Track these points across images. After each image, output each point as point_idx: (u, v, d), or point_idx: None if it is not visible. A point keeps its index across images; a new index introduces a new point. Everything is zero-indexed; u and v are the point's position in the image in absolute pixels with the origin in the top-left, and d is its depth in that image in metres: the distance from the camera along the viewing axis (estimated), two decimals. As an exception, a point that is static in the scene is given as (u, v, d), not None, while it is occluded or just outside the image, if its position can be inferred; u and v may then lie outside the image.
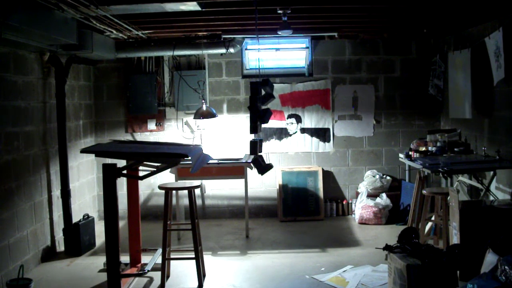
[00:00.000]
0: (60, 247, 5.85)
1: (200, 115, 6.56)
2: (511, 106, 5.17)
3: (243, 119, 7.15)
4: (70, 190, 5.87)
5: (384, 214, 6.64)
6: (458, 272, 4.09)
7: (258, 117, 4.68)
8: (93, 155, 6.47)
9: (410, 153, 6.19)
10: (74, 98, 6.47)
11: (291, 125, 7.23)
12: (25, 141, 5.15)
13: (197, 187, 4.86)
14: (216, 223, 6.98)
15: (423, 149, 6.14)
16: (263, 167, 4.73)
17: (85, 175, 6.82)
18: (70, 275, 5.08)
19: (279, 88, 7.04)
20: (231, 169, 6.24)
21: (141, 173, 4.71)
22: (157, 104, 7.07)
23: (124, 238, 5.20)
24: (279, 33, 5.52)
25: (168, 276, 4.86)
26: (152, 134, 7.24)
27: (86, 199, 6.82)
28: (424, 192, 5.32)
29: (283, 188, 7.09)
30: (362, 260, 5.23)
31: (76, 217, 5.97)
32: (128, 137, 7.18)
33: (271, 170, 4.97)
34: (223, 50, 6.66)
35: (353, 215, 7.05)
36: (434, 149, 6.03)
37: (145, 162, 4.61)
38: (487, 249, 3.85)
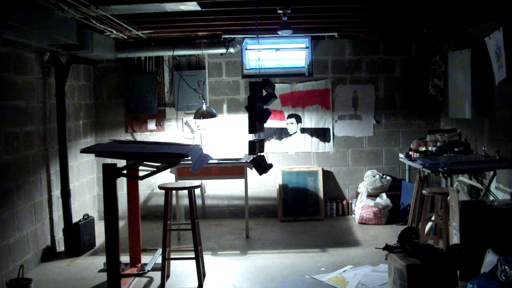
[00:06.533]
0: (60, 247, 5.85)
1: (200, 115, 6.56)
2: (511, 106, 5.17)
3: (243, 119, 7.14)
4: (70, 190, 5.87)
5: (384, 214, 6.64)
6: (458, 272, 4.09)
7: (256, 117, 4.68)
8: (93, 155, 6.46)
9: (410, 153, 6.19)
10: (74, 98, 6.47)
11: (291, 125, 7.23)
12: (25, 141, 5.15)
13: (197, 187, 4.86)
14: (216, 223, 6.98)
15: (423, 149, 6.14)
16: (263, 167, 4.73)
17: (85, 175, 6.82)
18: (70, 275, 5.08)
19: (279, 88, 7.03)
20: (231, 169, 6.24)
21: (141, 173, 4.71)
22: (157, 104, 7.07)
23: (124, 238, 5.20)
24: (279, 33, 5.52)
25: (168, 276, 4.86)
26: (152, 134, 7.24)
27: (86, 199, 6.82)
28: (424, 192, 5.32)
29: (283, 188, 7.09)
30: (362, 260, 5.23)
31: (76, 217, 5.97)
32: (128, 137, 7.18)
33: (271, 170, 4.97)
34: (223, 50, 6.66)
35: (353, 215, 7.05)
36: (434, 149, 6.03)
37: (145, 162, 4.61)
38: (487, 249, 3.85)
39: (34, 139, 5.36)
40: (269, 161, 4.91)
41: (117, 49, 6.49)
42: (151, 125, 7.21)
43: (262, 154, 4.84)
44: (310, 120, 7.21)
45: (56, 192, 5.84)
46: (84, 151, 4.40)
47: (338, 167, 7.28)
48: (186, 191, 5.16)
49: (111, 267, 3.95)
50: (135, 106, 7.09)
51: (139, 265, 5.02)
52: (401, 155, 6.56)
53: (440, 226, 5.30)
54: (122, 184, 6.33)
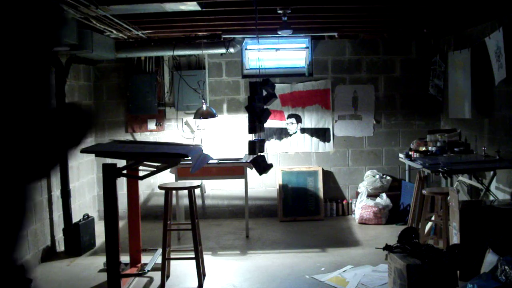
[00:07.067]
0: (60, 247, 5.85)
1: (200, 115, 6.56)
2: (511, 106, 5.17)
3: (243, 119, 7.14)
4: (70, 190, 5.86)
5: (384, 214, 6.64)
6: (458, 272, 4.09)
7: (256, 117, 4.68)
8: (93, 155, 6.46)
9: (410, 153, 6.19)
10: (74, 98, 6.47)
11: (291, 125, 7.23)
12: (25, 141, 5.14)
13: (197, 187, 4.86)
14: (216, 223, 6.98)
15: (423, 149, 6.14)
16: (263, 167, 4.73)
17: (85, 175, 6.82)
18: (70, 275, 5.08)
19: (279, 88, 7.03)
20: (231, 169, 6.23)
21: (141, 173, 4.71)
22: (157, 104, 7.07)
23: (124, 238, 5.20)
24: (279, 33, 5.52)
25: (168, 276, 4.86)
26: (152, 134, 7.23)
27: (86, 199, 6.82)
28: (424, 192, 5.32)
29: (283, 188, 7.09)
30: (362, 260, 5.23)
31: (76, 217, 5.97)
32: (128, 137, 7.18)
33: (271, 170, 4.97)
34: (223, 50, 6.66)
35: (353, 215, 7.05)
36: (434, 149, 6.03)
37: (145, 162, 4.61)
38: (487, 249, 3.85)
39: (34, 139, 5.35)
40: (269, 161, 4.91)
41: (117, 49, 6.49)
42: (151, 125, 7.21)
43: (262, 154, 4.84)
44: (310, 120, 7.21)
45: (56, 192, 5.84)
46: (84, 151, 4.40)
47: (338, 167, 7.28)
48: (186, 191, 5.15)
49: (111, 267, 3.95)
50: (135, 106, 7.08)
51: (139, 265, 5.01)
52: (401, 155, 6.55)
53: (440, 226, 5.30)
54: (122, 184, 6.32)
